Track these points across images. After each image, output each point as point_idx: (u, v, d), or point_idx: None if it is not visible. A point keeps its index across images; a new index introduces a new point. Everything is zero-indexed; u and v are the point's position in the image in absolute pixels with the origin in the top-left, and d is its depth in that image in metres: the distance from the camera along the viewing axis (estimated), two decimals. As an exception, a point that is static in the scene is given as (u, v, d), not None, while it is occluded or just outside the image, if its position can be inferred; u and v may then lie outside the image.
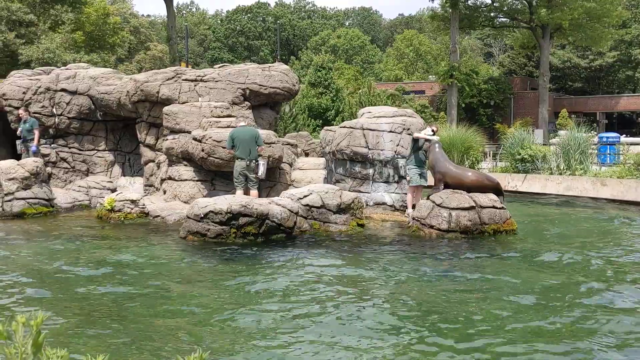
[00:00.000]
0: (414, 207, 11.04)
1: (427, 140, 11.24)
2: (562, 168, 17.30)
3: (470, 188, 10.42)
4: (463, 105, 41.48)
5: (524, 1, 40.81)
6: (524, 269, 7.74)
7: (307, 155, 16.41)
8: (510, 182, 17.48)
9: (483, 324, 5.43)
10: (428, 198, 10.49)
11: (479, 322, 5.48)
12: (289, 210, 9.84)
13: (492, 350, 4.79)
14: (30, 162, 12.81)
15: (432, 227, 9.92)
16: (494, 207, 10.14)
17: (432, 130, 11.45)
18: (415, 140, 11.39)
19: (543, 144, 22.16)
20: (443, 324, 5.44)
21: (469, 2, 42.66)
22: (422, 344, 4.94)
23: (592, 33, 39.68)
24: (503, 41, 61.54)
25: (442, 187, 10.61)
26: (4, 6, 30.72)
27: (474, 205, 9.97)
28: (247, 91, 14.34)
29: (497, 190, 10.74)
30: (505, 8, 42.02)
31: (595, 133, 22.23)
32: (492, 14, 43.34)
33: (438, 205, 10.05)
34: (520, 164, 18.05)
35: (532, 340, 5.01)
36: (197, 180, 12.80)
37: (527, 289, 6.66)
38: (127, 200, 11.84)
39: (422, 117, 14.44)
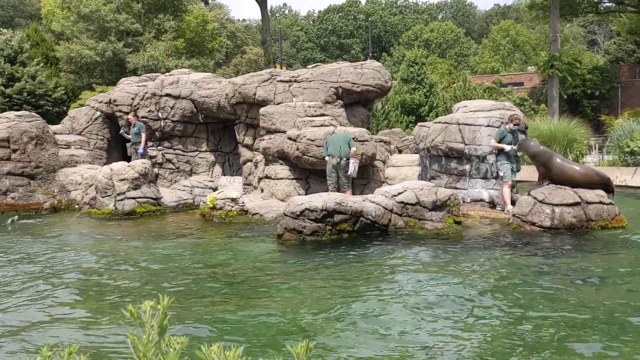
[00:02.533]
0: (513, 203, 10.67)
1: (520, 133, 10.83)
2: (678, 161, 16.08)
3: (577, 183, 9.89)
4: (565, 96, 39.52)
5: (632, -17, 38.26)
6: (638, 270, 7.28)
7: (400, 152, 16.32)
8: (619, 176, 16.46)
9: (600, 333, 5.18)
10: (529, 194, 10.10)
11: (595, 330, 5.23)
12: (384, 207, 9.83)
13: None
14: (139, 164, 13.65)
15: (533, 224, 9.55)
16: (600, 202, 9.61)
17: (515, 124, 11.03)
18: (503, 135, 11.02)
19: (656, 136, 20.67)
20: (546, 327, 5.25)
21: (571, -12, 40.53)
22: (524, 349, 4.80)
23: None
24: (608, 27, 57.89)
25: (547, 182, 10.15)
26: (112, 18, 32.87)
27: (579, 201, 9.50)
28: (340, 90, 14.48)
29: (606, 186, 10.13)
30: (611, -8, 39.60)
31: None
32: (595, -1, 40.97)
33: (540, 201, 9.66)
34: (629, 156, 16.98)
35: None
36: (292, 179, 13.10)
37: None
38: (227, 198, 12.33)
39: (521, 110, 13.91)
